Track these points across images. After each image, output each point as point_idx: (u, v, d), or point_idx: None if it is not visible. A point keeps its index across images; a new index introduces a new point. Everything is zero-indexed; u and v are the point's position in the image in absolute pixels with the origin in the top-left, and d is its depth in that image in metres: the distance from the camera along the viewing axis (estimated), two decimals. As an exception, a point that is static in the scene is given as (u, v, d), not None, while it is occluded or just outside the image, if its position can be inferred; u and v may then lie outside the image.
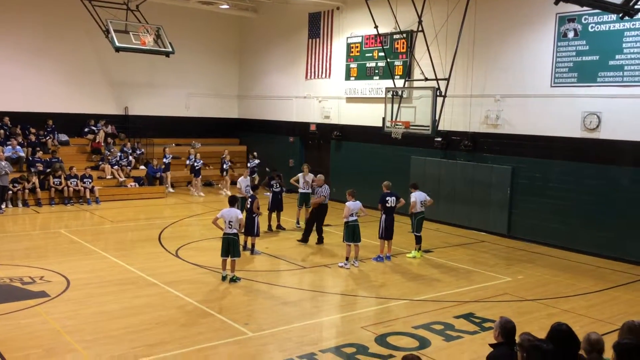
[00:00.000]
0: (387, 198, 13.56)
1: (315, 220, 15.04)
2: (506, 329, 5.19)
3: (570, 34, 15.03)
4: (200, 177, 22.71)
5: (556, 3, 9.63)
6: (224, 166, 22.87)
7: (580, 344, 4.96)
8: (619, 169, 14.24)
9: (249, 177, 16.36)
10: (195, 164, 22.46)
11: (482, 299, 10.92)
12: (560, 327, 4.96)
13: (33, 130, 21.67)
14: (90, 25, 19.45)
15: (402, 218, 15.64)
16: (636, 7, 10.30)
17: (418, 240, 14.09)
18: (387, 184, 13.88)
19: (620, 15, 10.67)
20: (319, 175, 15.56)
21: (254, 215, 13.34)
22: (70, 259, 12.73)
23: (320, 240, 14.98)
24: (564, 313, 10.16)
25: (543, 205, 15.72)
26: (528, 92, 16.05)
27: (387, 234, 13.55)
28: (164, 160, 22.54)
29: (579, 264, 13.97)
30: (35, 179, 19.10)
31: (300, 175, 16.94)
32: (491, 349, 5.25)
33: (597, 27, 14.53)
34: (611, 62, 14.27)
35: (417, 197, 13.87)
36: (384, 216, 13.56)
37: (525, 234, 16.12)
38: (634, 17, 11.30)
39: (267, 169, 19.69)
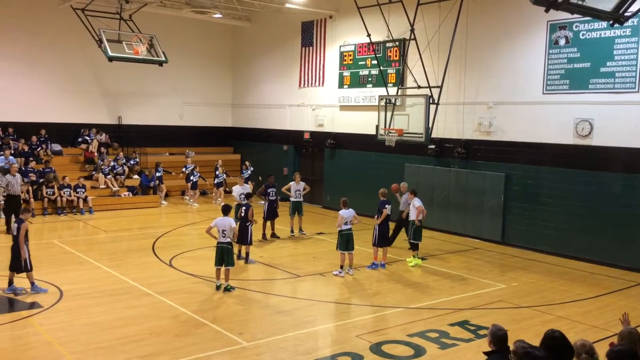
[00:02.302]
0: (387, 206, 13.60)
1: (404, 225, 15.05)
2: (497, 336, 5.19)
3: (562, 41, 15.13)
4: (197, 189, 22.67)
5: (547, 11, 9.67)
6: (215, 180, 22.83)
7: (574, 351, 4.98)
8: (611, 175, 14.30)
9: (245, 185, 16.43)
10: (192, 177, 22.40)
11: (476, 306, 10.91)
12: (554, 334, 4.98)
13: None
14: (83, 35, 19.46)
15: (393, 225, 15.59)
16: (626, 14, 10.38)
17: (415, 247, 14.10)
18: (383, 192, 13.93)
19: (611, 22, 10.74)
20: (402, 183, 15.57)
21: (247, 224, 13.33)
22: (64, 270, 12.67)
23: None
24: (559, 320, 10.17)
25: (536, 212, 15.75)
26: (520, 99, 16.11)
27: (381, 241, 13.55)
28: (157, 174, 22.39)
29: (573, 270, 13.99)
30: (28, 189, 19.00)
31: (292, 183, 16.99)
32: (486, 357, 5.24)
33: (588, 35, 14.63)
34: (602, 69, 14.36)
35: (420, 203, 13.95)
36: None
37: (519, 240, 16.15)
38: (624, 25, 11.40)
39: (259, 178, 19.70)
